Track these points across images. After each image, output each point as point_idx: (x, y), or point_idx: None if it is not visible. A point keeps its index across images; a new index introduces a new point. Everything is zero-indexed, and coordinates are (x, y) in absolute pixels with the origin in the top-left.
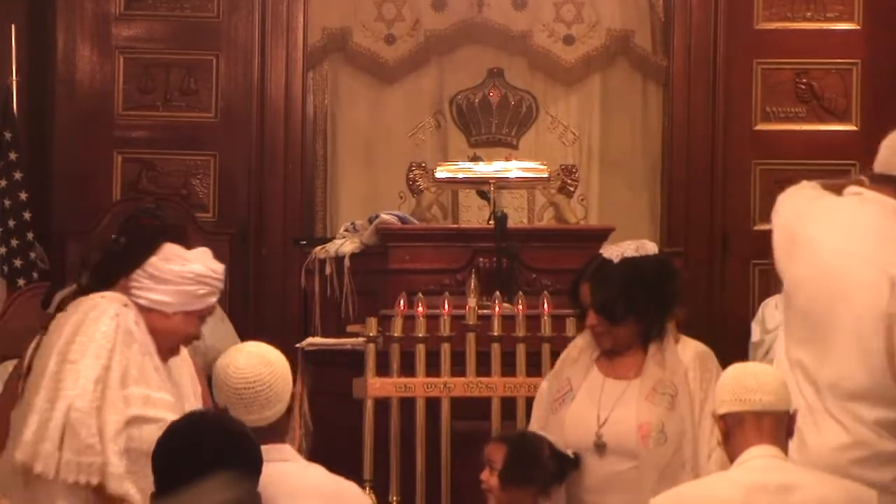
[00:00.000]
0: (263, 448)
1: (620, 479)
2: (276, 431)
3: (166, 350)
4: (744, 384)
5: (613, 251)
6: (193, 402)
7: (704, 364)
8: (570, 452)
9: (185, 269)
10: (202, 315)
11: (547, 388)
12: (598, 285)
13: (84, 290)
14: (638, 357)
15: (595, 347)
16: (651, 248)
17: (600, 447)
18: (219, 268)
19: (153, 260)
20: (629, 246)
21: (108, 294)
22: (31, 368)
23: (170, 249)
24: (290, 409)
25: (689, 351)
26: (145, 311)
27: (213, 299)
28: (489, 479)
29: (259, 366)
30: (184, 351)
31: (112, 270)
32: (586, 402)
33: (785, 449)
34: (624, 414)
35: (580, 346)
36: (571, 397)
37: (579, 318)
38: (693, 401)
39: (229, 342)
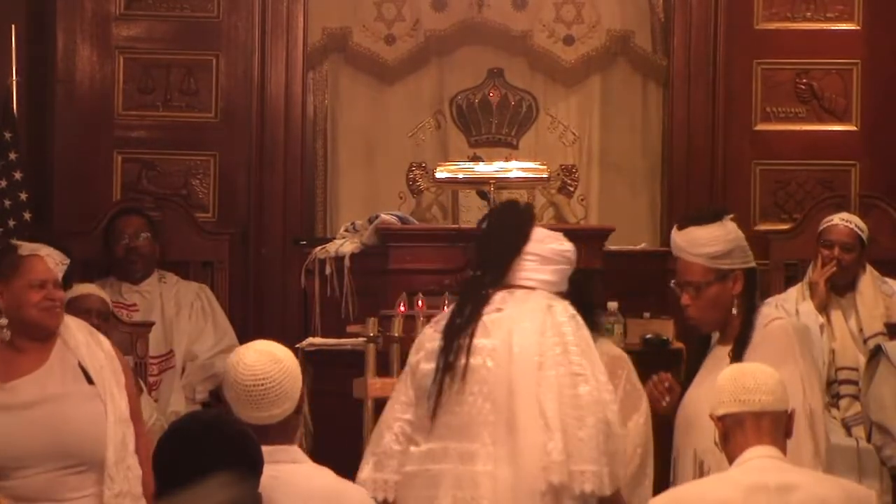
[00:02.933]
0: (271, 449)
1: None
2: (285, 430)
3: None
4: (742, 385)
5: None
6: (116, 393)
7: (614, 370)
8: None
9: (564, 248)
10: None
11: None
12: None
13: (484, 285)
14: None
15: None
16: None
17: None
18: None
19: (532, 242)
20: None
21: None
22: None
23: (541, 231)
24: (299, 409)
25: (603, 356)
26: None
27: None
28: None
29: (268, 363)
30: (106, 344)
31: (501, 257)
32: None
33: (783, 449)
34: None
35: None
36: None
37: None
38: None
39: (209, 344)
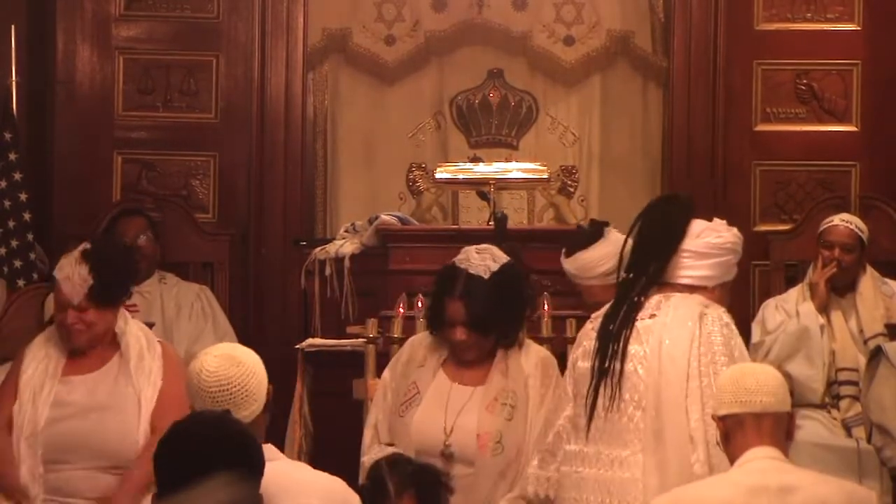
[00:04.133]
0: None
1: (458, 484)
2: (256, 431)
3: None
4: (744, 385)
5: (476, 264)
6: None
7: (546, 371)
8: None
9: (721, 240)
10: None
11: (392, 390)
12: (474, 303)
13: (639, 287)
14: (485, 364)
15: (440, 351)
16: (500, 254)
17: (448, 456)
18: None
19: (688, 238)
20: (484, 255)
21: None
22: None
23: (698, 224)
24: (266, 408)
25: (532, 357)
26: (688, 289)
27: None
28: None
29: (230, 367)
30: (157, 361)
31: (655, 257)
32: (433, 407)
33: (784, 450)
34: (466, 422)
35: (426, 348)
36: (418, 402)
37: (436, 328)
38: (531, 407)
39: (209, 344)
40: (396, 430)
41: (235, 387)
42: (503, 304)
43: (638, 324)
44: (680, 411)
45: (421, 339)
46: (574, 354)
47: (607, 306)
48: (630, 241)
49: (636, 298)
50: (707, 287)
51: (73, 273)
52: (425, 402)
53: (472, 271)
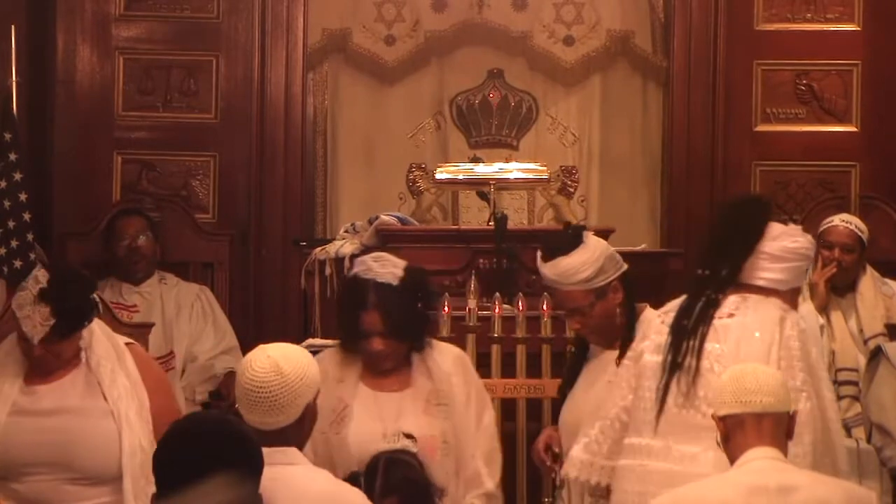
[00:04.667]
0: (269, 450)
1: None
2: (283, 437)
3: None
4: (744, 385)
5: (381, 272)
6: (134, 421)
7: (465, 368)
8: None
9: (797, 245)
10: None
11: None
12: (389, 311)
13: (714, 285)
14: (403, 369)
15: (353, 365)
16: (397, 259)
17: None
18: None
19: (766, 240)
20: (384, 263)
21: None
22: None
23: (775, 227)
24: (301, 420)
25: (448, 356)
26: (762, 291)
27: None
28: None
29: (270, 373)
30: (133, 371)
31: (732, 257)
32: (367, 419)
33: (785, 450)
34: (407, 428)
35: (338, 364)
36: (351, 416)
37: (350, 342)
38: (459, 404)
39: (209, 345)
40: (334, 448)
41: (267, 393)
42: (416, 309)
43: (716, 321)
44: None
45: (329, 356)
46: (640, 346)
47: (680, 301)
48: (709, 238)
49: (714, 296)
50: (779, 290)
51: (33, 313)
52: (357, 415)
53: (380, 280)
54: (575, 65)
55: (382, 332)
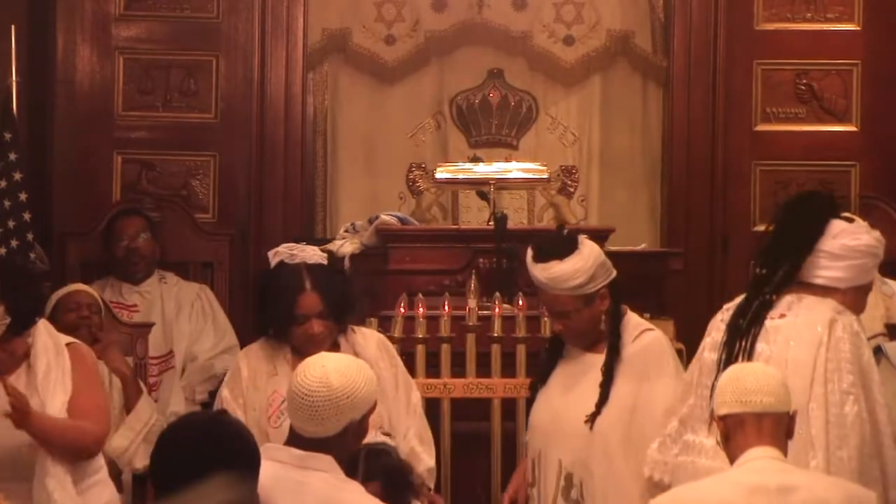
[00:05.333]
0: (304, 454)
1: None
2: (322, 447)
3: None
4: (745, 385)
5: (307, 256)
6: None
7: (389, 351)
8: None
9: (858, 243)
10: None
11: (242, 406)
12: (328, 291)
13: (771, 285)
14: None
15: (281, 355)
16: (313, 247)
17: None
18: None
19: (825, 238)
20: (303, 248)
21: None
22: None
23: (836, 225)
24: (344, 434)
25: (371, 340)
26: (820, 290)
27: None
28: None
29: (318, 383)
30: (67, 375)
31: (790, 255)
32: None
33: (785, 450)
34: None
35: (265, 358)
36: None
37: (283, 330)
38: (389, 388)
39: (209, 345)
40: (276, 440)
41: (311, 403)
42: (348, 288)
43: (767, 322)
44: (802, 414)
45: (253, 351)
46: (703, 341)
47: (739, 300)
48: (769, 237)
49: (768, 296)
50: (839, 289)
51: None
52: None
53: (311, 262)
54: (575, 64)
55: (321, 312)
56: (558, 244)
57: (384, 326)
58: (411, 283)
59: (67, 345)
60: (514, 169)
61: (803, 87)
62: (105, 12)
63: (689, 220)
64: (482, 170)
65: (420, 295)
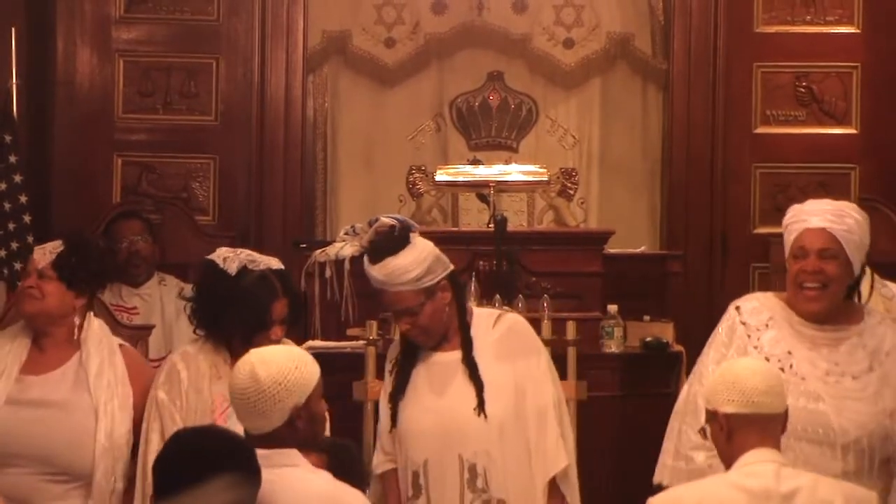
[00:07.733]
0: (268, 453)
1: None
2: (277, 440)
3: None
4: (754, 385)
5: (264, 261)
6: (117, 415)
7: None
8: None
9: None
10: None
11: (181, 409)
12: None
13: None
14: None
15: (221, 358)
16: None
17: None
18: None
19: None
20: (249, 253)
21: None
22: None
23: None
24: (293, 422)
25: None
26: None
27: None
28: None
29: (248, 380)
30: (121, 367)
31: None
32: None
33: (780, 450)
34: None
35: (208, 362)
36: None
37: (253, 336)
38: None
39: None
40: None
41: (246, 399)
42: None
43: None
44: None
45: (191, 354)
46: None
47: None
48: None
49: None
50: None
51: (49, 245)
52: None
53: (275, 268)
54: (575, 67)
55: (285, 319)
56: (390, 241)
57: (384, 328)
58: None
59: (120, 346)
60: (514, 171)
61: (803, 90)
62: (105, 14)
63: (688, 223)
64: (482, 172)
65: None
